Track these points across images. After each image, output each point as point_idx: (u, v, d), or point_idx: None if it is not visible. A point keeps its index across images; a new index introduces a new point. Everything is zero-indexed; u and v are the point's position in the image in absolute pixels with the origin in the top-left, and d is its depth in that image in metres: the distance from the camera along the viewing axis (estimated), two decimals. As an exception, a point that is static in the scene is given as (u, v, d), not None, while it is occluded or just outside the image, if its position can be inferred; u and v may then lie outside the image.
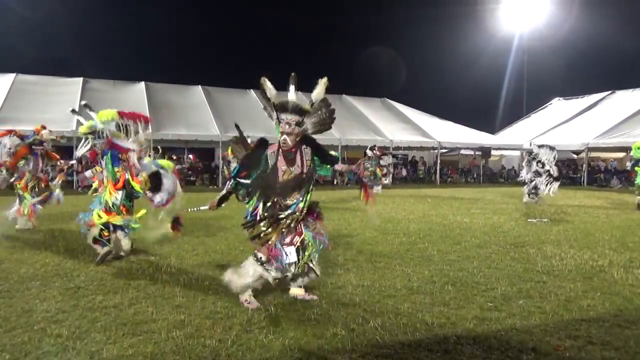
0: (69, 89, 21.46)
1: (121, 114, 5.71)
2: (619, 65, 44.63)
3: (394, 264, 5.55)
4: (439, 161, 25.69)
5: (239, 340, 3.28)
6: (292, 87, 4.04)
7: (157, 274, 5.01)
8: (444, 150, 27.06)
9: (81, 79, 22.50)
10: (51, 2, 40.19)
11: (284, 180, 3.97)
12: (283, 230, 3.96)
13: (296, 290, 4.21)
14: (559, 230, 8.21)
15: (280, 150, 3.96)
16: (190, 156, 26.96)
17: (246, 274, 3.95)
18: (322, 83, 3.89)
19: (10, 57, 40.39)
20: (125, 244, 5.78)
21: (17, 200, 8.14)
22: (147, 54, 55.86)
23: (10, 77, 21.29)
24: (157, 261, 5.59)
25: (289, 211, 3.97)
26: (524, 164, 12.75)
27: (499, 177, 27.92)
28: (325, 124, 4.05)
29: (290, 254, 3.96)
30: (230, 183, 4.38)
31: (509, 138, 27.96)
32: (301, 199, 4.01)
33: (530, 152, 12.21)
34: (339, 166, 4.40)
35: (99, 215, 5.54)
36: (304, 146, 4.04)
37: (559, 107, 29.86)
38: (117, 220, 5.61)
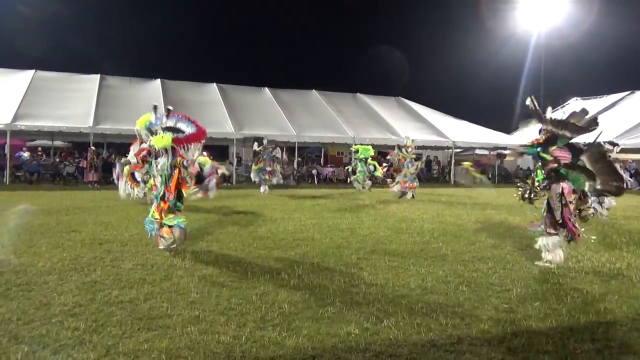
0: (87, 85, 21.79)
1: (175, 141, 6.19)
2: (638, 64, 43.80)
3: (407, 263, 5.53)
4: (453, 161, 25.49)
5: (253, 337, 3.29)
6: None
7: (172, 269, 5.06)
8: (458, 150, 26.83)
9: (98, 75, 22.78)
10: (71, 1, 40.77)
11: None
12: None
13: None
14: (575, 232, 8.08)
15: None
16: (205, 153, 27.12)
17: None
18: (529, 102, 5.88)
19: (30, 54, 41.07)
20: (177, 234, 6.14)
21: None
22: (163, 51, 56.56)
23: (30, 73, 21.66)
24: (172, 257, 5.64)
25: None
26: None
27: (515, 177, 27.56)
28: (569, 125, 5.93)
29: None
30: None
31: (525, 138, 27.60)
32: None
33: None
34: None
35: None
36: None
37: (576, 107, 29.38)
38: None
